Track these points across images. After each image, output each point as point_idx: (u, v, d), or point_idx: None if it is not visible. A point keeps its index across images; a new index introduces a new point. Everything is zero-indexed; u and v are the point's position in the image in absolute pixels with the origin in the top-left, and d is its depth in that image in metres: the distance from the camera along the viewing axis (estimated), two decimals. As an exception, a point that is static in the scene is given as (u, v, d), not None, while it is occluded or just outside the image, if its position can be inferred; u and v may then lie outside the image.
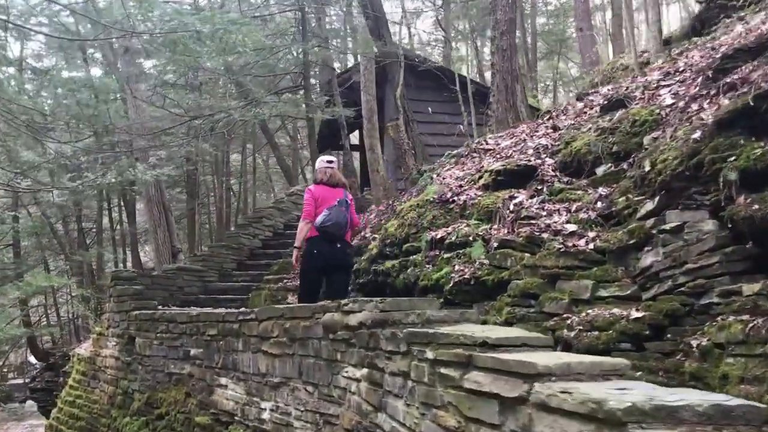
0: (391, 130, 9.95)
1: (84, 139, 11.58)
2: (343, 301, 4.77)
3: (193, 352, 7.65)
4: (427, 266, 6.91)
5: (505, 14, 11.28)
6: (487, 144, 8.52)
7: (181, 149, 11.72)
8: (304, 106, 10.60)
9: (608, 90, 7.83)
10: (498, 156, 7.82)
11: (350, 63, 17.07)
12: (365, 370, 4.32)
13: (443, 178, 8.06)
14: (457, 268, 6.44)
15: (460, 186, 7.53)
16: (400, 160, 10.10)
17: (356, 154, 24.54)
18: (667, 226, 4.90)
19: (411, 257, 7.24)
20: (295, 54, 12.87)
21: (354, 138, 25.03)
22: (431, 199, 7.57)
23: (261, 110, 10.68)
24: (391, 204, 9.83)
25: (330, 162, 6.93)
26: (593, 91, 8.44)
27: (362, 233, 9.11)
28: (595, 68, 15.86)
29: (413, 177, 9.92)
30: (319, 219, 6.35)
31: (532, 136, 7.75)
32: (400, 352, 3.78)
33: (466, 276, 6.22)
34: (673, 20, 28.52)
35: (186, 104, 10.72)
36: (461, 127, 9.96)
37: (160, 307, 9.99)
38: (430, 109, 16.21)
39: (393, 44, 11.18)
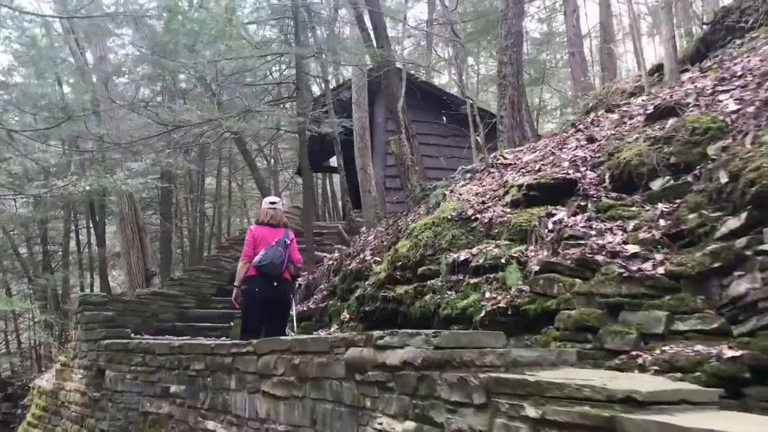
0: (393, 145, 9.08)
1: (52, 147, 10.47)
2: (376, 334, 3.80)
3: (173, 388, 6.58)
4: (449, 293, 5.98)
5: (513, 26, 10.54)
6: (505, 158, 7.66)
7: (159, 162, 10.65)
8: (297, 117, 9.60)
9: (644, 100, 7.04)
10: (522, 170, 6.95)
11: (347, 77, 16.20)
12: (411, 424, 3.34)
13: (460, 195, 7.17)
14: (488, 295, 5.52)
15: (483, 203, 6.63)
16: (403, 177, 9.21)
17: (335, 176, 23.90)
18: (765, 247, 4.03)
19: (428, 282, 6.31)
20: (284, 66, 11.97)
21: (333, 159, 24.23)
22: (449, 216, 6.66)
23: (254, 121, 9.71)
24: (394, 223, 8.91)
25: (273, 203, 7.17)
26: (624, 102, 7.66)
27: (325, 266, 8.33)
28: (590, 93, 15.23)
29: (417, 195, 9.02)
30: (256, 259, 6.60)
31: (561, 149, 6.90)
32: (473, 404, 2.83)
33: (500, 305, 5.30)
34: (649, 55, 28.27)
35: (167, 115, 9.72)
36: (478, 138, 9.04)
37: (134, 335, 8.88)
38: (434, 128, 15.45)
39: (392, 54, 10.32)
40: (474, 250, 6.07)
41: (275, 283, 6.70)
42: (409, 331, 3.53)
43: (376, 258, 8.44)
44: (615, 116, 7.00)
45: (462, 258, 6.09)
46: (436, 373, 3.15)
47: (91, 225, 21.99)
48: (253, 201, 29.03)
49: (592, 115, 7.72)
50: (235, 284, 7.02)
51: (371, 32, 10.56)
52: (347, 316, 8.19)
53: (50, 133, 13.06)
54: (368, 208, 12.71)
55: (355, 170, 14.56)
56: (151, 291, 11.31)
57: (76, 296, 22.32)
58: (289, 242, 6.86)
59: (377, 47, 10.09)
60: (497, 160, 7.73)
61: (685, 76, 8.15)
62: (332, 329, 8.33)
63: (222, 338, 10.41)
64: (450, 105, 15.04)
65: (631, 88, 14.64)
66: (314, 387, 4.38)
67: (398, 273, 6.82)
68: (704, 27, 13.10)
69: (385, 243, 8.71)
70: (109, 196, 19.64)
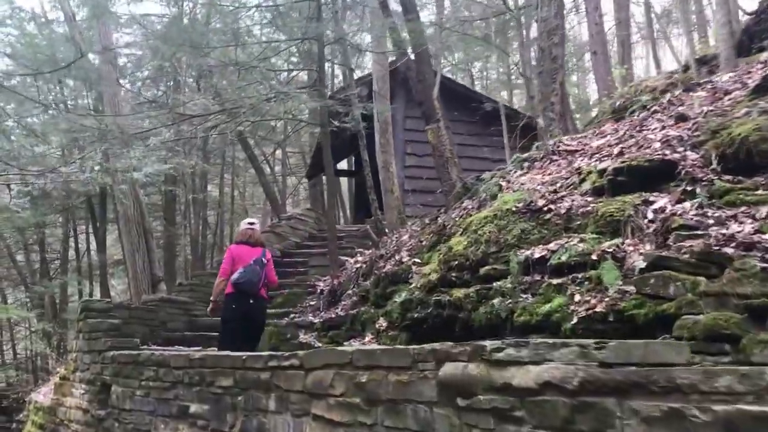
0: (431, 135, 8.12)
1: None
2: (490, 345, 2.82)
3: (193, 408, 5.58)
4: (524, 296, 5.01)
5: (551, 9, 9.60)
6: (567, 145, 6.71)
7: (167, 155, 9.66)
8: (320, 102, 8.61)
9: (731, 76, 6.10)
10: (596, 156, 6.00)
11: (364, 74, 15.25)
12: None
13: (521, 184, 6.21)
14: (578, 298, 4.55)
15: (554, 192, 5.67)
16: (441, 170, 8.24)
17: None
18: None
19: (494, 284, 5.33)
20: (300, 48, 10.96)
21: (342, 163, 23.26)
22: (513, 209, 5.70)
23: (279, 107, 8.74)
24: (433, 221, 7.95)
25: (251, 224, 7.49)
26: (705, 81, 6.73)
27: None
28: (615, 91, 14.37)
29: (458, 190, 8.06)
30: (234, 276, 6.81)
31: (640, 130, 5.95)
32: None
33: (597, 309, 4.33)
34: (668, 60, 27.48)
35: (176, 106, 8.78)
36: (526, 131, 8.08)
37: (141, 346, 7.89)
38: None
39: (423, 37, 9.36)
40: (551, 246, 5.11)
41: (251, 301, 6.89)
42: (549, 341, 2.56)
43: (415, 260, 7.47)
44: (703, 94, 6.06)
45: (537, 255, 5.12)
46: (610, 400, 2.18)
47: (90, 230, 20.99)
48: (254, 210, 28.04)
49: (668, 95, 6.77)
50: (211, 299, 7.36)
51: (400, 13, 9.60)
52: (384, 324, 7.22)
53: (48, 129, 12.12)
54: (390, 209, 11.77)
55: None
56: (158, 297, 10.32)
57: (75, 304, 21.35)
58: (266, 261, 7.08)
59: (407, 28, 9.13)
60: (558, 146, 6.78)
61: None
62: (366, 338, 7.35)
63: (271, 352, 9.45)
64: (471, 102, 14.13)
65: (663, 85, 13.73)
66: (389, 412, 3.40)
67: (453, 274, 5.85)
68: (746, 17, 12.23)
69: (425, 243, 7.74)
70: (112, 193, 18.70)
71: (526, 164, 6.89)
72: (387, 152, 11.86)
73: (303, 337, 8.40)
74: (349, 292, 8.69)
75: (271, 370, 4.56)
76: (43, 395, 10.77)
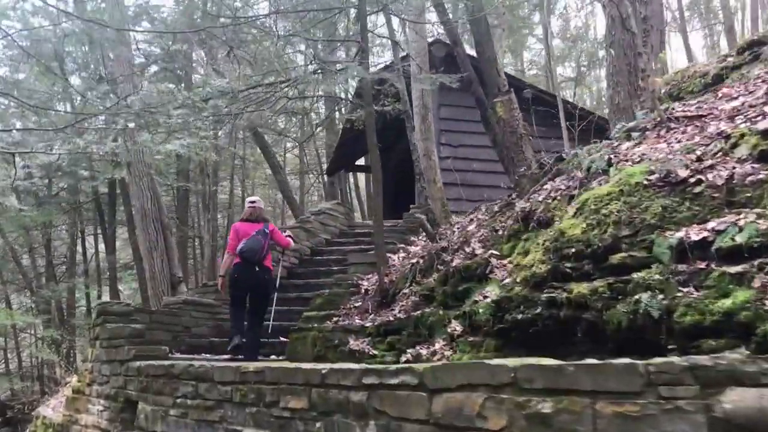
0: (500, 108, 6.94)
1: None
2: None
3: (248, 434, 4.41)
4: (683, 289, 3.81)
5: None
6: (685, 110, 5.54)
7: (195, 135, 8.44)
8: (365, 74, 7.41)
9: None
10: (737, 118, 4.82)
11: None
12: None
13: (642, 155, 5.03)
14: (778, 290, 3.36)
15: (699, 160, 4.48)
16: (515, 149, 7.05)
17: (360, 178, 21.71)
18: None
19: (633, 275, 4.13)
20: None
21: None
22: (645, 182, 4.51)
23: (318, 86, 7.56)
24: (507, 206, 6.77)
25: (252, 202, 7.91)
26: None
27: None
28: (653, 79, 13.18)
29: (533, 172, 6.88)
30: (239, 248, 7.28)
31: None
32: None
33: (816, 305, 3.15)
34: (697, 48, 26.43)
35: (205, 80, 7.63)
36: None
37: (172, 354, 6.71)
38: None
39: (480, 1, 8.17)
40: (713, 225, 3.92)
41: (256, 269, 7.29)
42: None
43: (493, 251, 6.29)
44: None
45: (693, 238, 3.94)
46: None
47: (99, 232, 19.80)
48: (269, 214, 26.82)
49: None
50: (220, 274, 7.91)
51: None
52: (458, 327, 6.03)
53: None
54: (434, 201, 10.59)
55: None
56: (182, 299, 9.10)
57: (84, 308, 20.11)
58: (268, 232, 7.53)
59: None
60: (671, 113, 5.60)
61: None
62: (437, 345, 6.13)
63: (271, 357, 8.26)
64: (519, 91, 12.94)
65: (717, 69, 12.57)
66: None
67: (567, 265, 4.65)
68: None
69: (501, 232, 6.55)
70: (122, 192, 17.51)
71: (635, 134, 5.70)
72: (428, 139, 10.69)
73: (353, 343, 7.17)
74: (405, 291, 7.48)
75: (369, 388, 3.37)
76: (52, 409, 9.57)
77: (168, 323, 8.66)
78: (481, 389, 2.69)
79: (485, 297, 5.65)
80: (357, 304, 8.49)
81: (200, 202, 20.94)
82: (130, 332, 6.84)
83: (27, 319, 15.44)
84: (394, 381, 3.20)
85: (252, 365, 4.60)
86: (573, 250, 4.64)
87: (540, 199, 6.16)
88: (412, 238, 10.53)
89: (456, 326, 6.13)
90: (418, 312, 6.78)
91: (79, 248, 20.55)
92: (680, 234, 4.02)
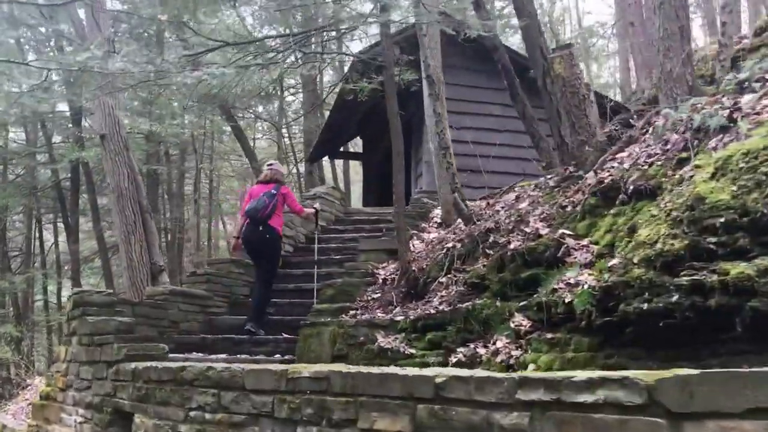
0: (559, 65, 5.85)
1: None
2: None
3: (305, 464, 3.22)
4: None
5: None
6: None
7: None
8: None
9: None
10: None
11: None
12: None
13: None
14: None
15: None
16: (576, 112, 5.94)
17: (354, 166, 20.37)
18: None
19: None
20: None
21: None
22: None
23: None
24: (570, 177, 5.71)
25: (270, 165, 7.92)
26: None
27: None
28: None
29: (599, 140, 5.81)
30: (246, 208, 7.51)
31: None
32: None
33: None
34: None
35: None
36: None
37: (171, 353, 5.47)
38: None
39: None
40: None
41: (260, 228, 7.29)
42: None
43: (564, 231, 5.21)
44: None
45: None
46: None
47: (60, 220, 18.20)
48: (228, 206, 25.31)
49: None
50: (234, 235, 8.35)
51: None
52: (524, 322, 4.98)
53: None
54: (446, 184, 9.47)
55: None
56: (168, 290, 7.80)
57: (42, 302, 18.50)
58: (275, 193, 7.43)
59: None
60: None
61: None
62: (499, 344, 5.02)
63: (275, 356, 7.06)
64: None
65: (733, 52, 11.88)
66: None
67: (711, 240, 3.58)
68: None
69: (570, 208, 5.48)
70: (85, 182, 15.99)
71: (755, 86, 4.68)
72: (441, 120, 9.55)
73: (383, 340, 6.00)
74: (442, 280, 6.36)
75: (531, 407, 2.24)
76: (12, 416, 8.18)
77: (154, 317, 7.41)
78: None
79: (571, 284, 4.57)
80: (375, 296, 7.35)
81: (164, 191, 19.46)
82: (117, 327, 5.58)
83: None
84: (586, 398, 2.07)
85: (308, 368, 3.41)
86: (721, 220, 3.57)
87: (626, 166, 5.11)
88: (423, 224, 9.43)
89: (521, 320, 5.06)
90: (467, 304, 5.65)
91: (38, 238, 18.92)
92: None
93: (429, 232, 8.93)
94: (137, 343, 5.35)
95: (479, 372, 2.60)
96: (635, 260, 3.92)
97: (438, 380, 2.60)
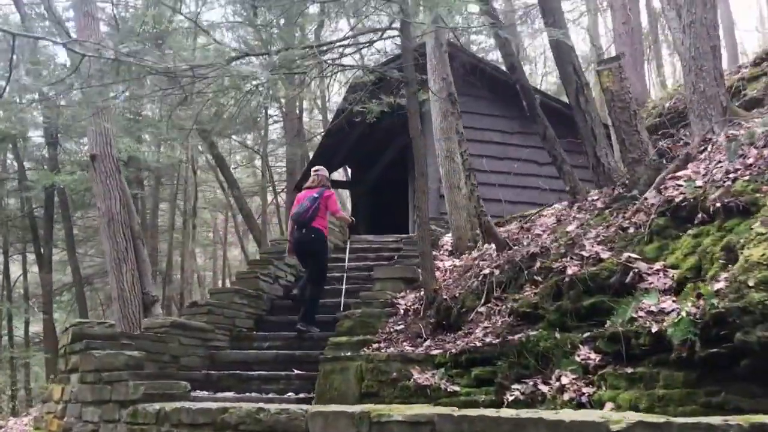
0: (607, 77, 5.42)
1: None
2: None
3: None
4: None
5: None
6: None
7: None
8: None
9: None
10: None
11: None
12: None
13: None
14: None
15: None
16: (626, 128, 5.49)
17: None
18: None
19: None
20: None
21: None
22: None
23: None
24: (622, 196, 5.25)
25: (316, 170, 8.25)
26: None
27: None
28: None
29: (652, 158, 5.39)
30: (291, 212, 8.02)
31: None
32: None
33: None
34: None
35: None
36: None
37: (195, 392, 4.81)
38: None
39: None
40: None
41: (303, 230, 7.59)
42: None
43: (631, 255, 4.74)
44: None
45: None
46: None
47: (31, 250, 17.22)
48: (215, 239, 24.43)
49: None
50: (288, 239, 8.30)
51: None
52: (592, 355, 4.48)
53: None
54: (458, 210, 9.03)
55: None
56: (169, 322, 7.11)
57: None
58: (317, 196, 7.70)
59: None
60: None
61: None
62: (564, 380, 4.49)
63: (288, 394, 6.43)
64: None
65: (733, 81, 11.87)
66: None
67: None
68: None
69: (633, 230, 5.01)
70: (60, 209, 15.15)
71: None
72: (450, 139, 9.10)
73: (419, 376, 5.42)
74: (481, 309, 5.81)
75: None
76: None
77: (154, 351, 6.69)
78: None
79: (654, 312, 4.09)
80: (399, 327, 6.76)
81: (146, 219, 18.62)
82: (127, 361, 4.91)
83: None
84: None
85: (397, 410, 2.83)
86: None
87: (699, 184, 4.67)
88: (433, 252, 8.92)
89: (588, 353, 4.55)
90: (519, 336, 5.11)
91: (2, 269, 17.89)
92: None
93: (442, 260, 8.42)
94: (152, 379, 4.69)
95: (676, 419, 2.05)
96: (750, 283, 3.44)
97: (614, 427, 2.05)
